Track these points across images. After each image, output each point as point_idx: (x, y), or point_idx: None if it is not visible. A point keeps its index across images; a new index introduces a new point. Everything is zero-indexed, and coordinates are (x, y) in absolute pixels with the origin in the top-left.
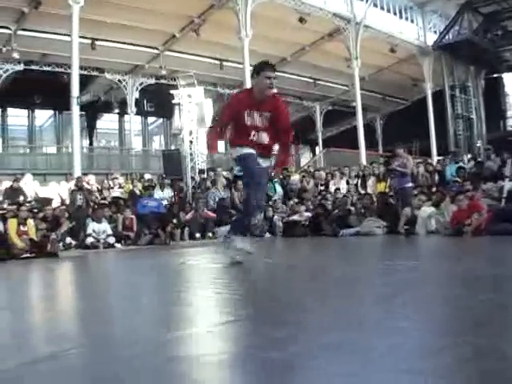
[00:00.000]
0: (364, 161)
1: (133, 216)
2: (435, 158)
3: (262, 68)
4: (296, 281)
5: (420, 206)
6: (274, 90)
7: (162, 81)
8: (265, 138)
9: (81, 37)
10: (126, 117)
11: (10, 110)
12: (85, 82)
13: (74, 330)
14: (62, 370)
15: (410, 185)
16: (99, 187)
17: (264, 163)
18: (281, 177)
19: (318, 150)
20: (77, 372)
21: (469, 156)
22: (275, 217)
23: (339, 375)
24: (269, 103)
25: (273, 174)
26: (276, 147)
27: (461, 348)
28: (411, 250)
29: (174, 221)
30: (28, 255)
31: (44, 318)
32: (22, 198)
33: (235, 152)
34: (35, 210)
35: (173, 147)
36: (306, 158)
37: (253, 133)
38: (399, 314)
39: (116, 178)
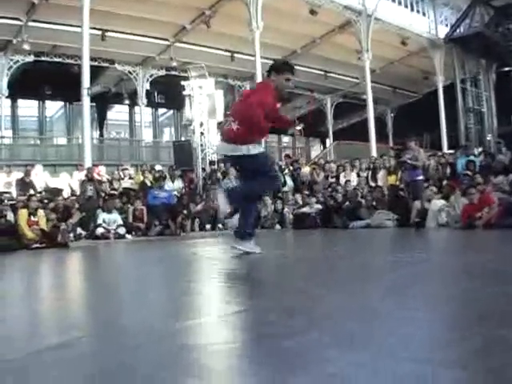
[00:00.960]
0: (374, 153)
1: (143, 207)
2: (446, 151)
3: (283, 69)
4: (306, 272)
5: (431, 198)
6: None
7: (173, 72)
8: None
9: (91, 28)
10: (137, 108)
11: (21, 102)
12: (95, 73)
13: (83, 319)
14: (71, 358)
15: (421, 178)
16: (109, 178)
17: None
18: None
19: (328, 142)
20: (86, 361)
21: (479, 149)
22: (285, 209)
23: (350, 364)
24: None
25: None
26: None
27: (469, 339)
28: (422, 242)
29: (185, 212)
30: (38, 246)
31: (53, 308)
32: (32, 192)
33: (254, 149)
34: (45, 201)
35: (183, 139)
36: (316, 151)
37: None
38: (410, 306)
39: (126, 169)
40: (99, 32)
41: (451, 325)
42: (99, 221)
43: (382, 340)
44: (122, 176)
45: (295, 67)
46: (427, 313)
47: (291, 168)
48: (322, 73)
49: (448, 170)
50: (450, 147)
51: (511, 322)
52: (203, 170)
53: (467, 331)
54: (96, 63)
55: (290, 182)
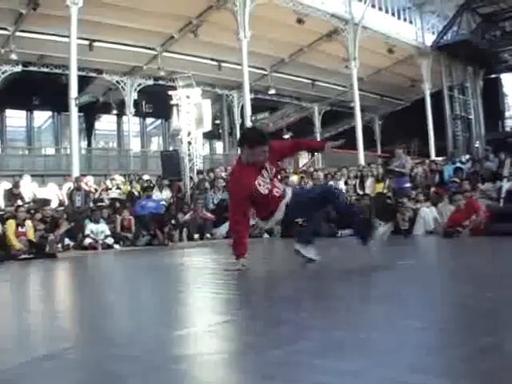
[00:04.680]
0: (362, 161)
1: (131, 217)
2: (437, 158)
3: (258, 142)
4: (296, 281)
5: (415, 207)
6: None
7: (161, 82)
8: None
9: (79, 38)
10: (125, 118)
11: (9, 112)
12: (83, 83)
13: (73, 329)
14: (62, 368)
15: (408, 185)
16: (97, 188)
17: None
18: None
19: None
20: (75, 371)
21: (467, 156)
22: None
23: (339, 373)
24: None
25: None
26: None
27: (464, 346)
28: (411, 249)
29: (173, 221)
30: (26, 256)
31: (43, 318)
32: (19, 203)
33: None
34: (32, 211)
35: (171, 148)
36: (304, 159)
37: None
38: (404, 313)
39: (114, 179)
40: (87, 42)
41: (446, 330)
42: (87, 231)
43: (372, 348)
44: (110, 186)
45: (282, 76)
46: (422, 320)
47: (279, 177)
48: (310, 81)
49: (437, 178)
50: (437, 154)
51: (506, 327)
52: (191, 179)
53: (462, 337)
54: (84, 73)
55: None
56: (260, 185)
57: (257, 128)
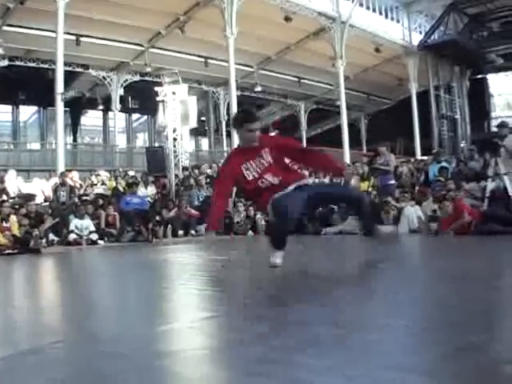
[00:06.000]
0: (348, 160)
1: (115, 213)
2: (419, 158)
3: (243, 120)
4: (279, 279)
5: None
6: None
7: (147, 78)
8: (271, 178)
9: (66, 33)
10: (111, 113)
11: None
12: (69, 78)
13: (56, 325)
14: (46, 363)
15: (392, 182)
16: (82, 184)
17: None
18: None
19: None
20: (57, 366)
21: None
22: (258, 215)
23: (321, 370)
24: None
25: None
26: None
27: (448, 345)
28: (396, 248)
29: (157, 218)
30: (10, 251)
31: (26, 314)
32: (4, 197)
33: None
34: (16, 206)
35: (157, 144)
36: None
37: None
38: (389, 311)
39: (99, 175)
40: (74, 37)
41: (428, 330)
42: (71, 227)
43: (355, 346)
44: (95, 182)
45: (269, 73)
46: (404, 319)
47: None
48: (296, 79)
49: (422, 177)
50: (423, 154)
51: (485, 327)
52: (176, 176)
53: (444, 336)
54: (70, 68)
55: None
56: (247, 169)
57: (247, 109)
